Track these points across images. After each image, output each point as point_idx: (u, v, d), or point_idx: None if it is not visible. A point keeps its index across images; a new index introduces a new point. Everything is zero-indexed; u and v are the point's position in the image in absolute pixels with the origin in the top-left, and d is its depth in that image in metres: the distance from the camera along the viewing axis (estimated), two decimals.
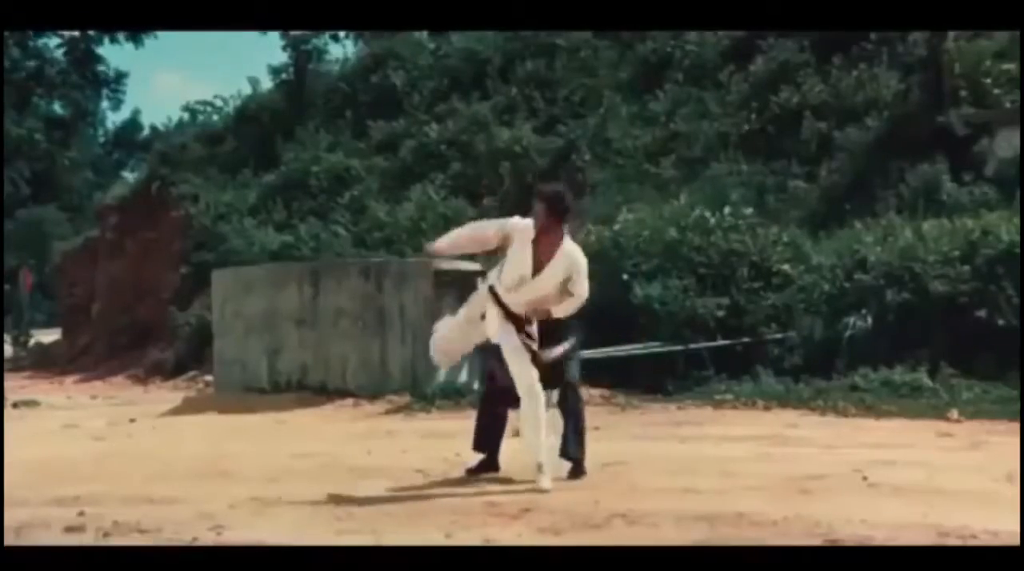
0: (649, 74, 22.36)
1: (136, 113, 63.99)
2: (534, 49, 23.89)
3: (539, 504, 7.34)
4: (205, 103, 30.78)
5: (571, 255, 8.15)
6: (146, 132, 59.80)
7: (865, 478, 7.99)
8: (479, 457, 8.64)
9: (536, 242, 8.04)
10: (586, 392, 13.33)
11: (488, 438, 8.63)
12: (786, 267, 14.92)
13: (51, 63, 54.16)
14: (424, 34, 26.81)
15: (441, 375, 14.62)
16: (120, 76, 57.86)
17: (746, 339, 14.35)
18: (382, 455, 10.18)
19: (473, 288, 15.21)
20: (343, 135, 25.24)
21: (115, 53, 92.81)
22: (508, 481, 8.36)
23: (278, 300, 16.42)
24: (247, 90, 28.89)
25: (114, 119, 62.12)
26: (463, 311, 8.60)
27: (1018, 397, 12.01)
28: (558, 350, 8.30)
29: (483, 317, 8.25)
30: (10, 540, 6.61)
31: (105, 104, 59.66)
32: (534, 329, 8.18)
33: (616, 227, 15.54)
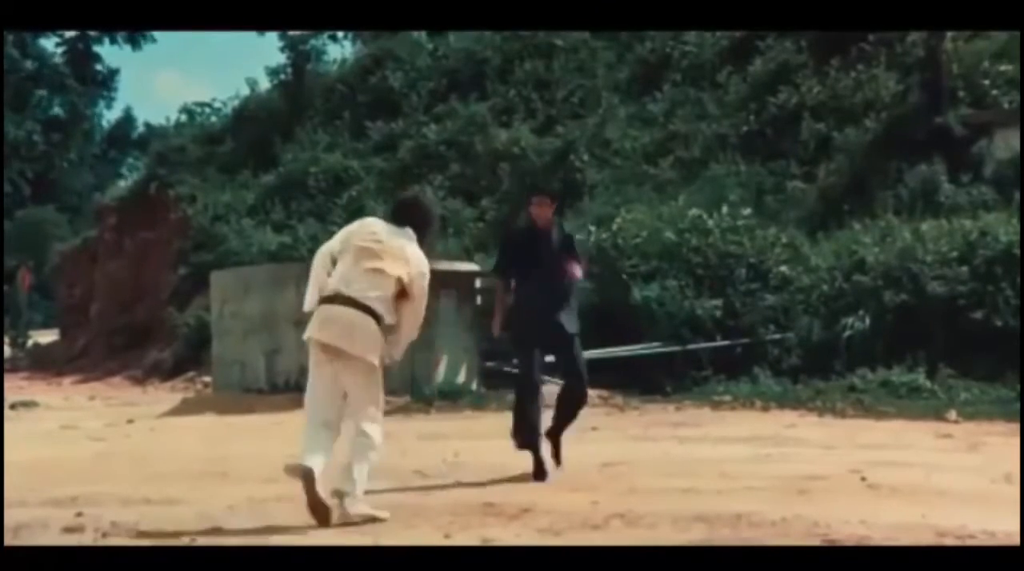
0: (647, 75, 22.37)
1: (128, 109, 63.63)
2: (532, 50, 23.90)
3: (538, 505, 7.33)
4: (203, 104, 30.75)
5: None
6: (140, 129, 59.61)
7: (863, 479, 7.99)
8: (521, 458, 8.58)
9: None
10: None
11: (534, 433, 8.60)
12: (784, 268, 14.93)
13: (49, 64, 54.12)
14: (422, 35, 26.80)
15: (439, 376, 14.65)
16: (112, 73, 57.82)
17: (744, 340, 14.35)
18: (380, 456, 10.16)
19: (471, 288, 15.37)
20: (341, 136, 25.24)
21: (113, 53, 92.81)
22: (506, 482, 8.36)
23: (277, 301, 16.41)
24: (245, 91, 28.94)
25: (109, 118, 61.95)
26: None
27: (1016, 397, 12.03)
28: None
29: None
30: (8, 541, 6.61)
31: (101, 103, 59.66)
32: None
33: (614, 228, 15.54)
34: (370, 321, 7.12)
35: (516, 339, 8.67)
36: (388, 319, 7.22)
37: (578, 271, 8.73)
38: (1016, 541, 5.92)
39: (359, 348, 7.10)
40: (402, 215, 7.51)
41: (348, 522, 6.92)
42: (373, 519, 6.98)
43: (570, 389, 8.76)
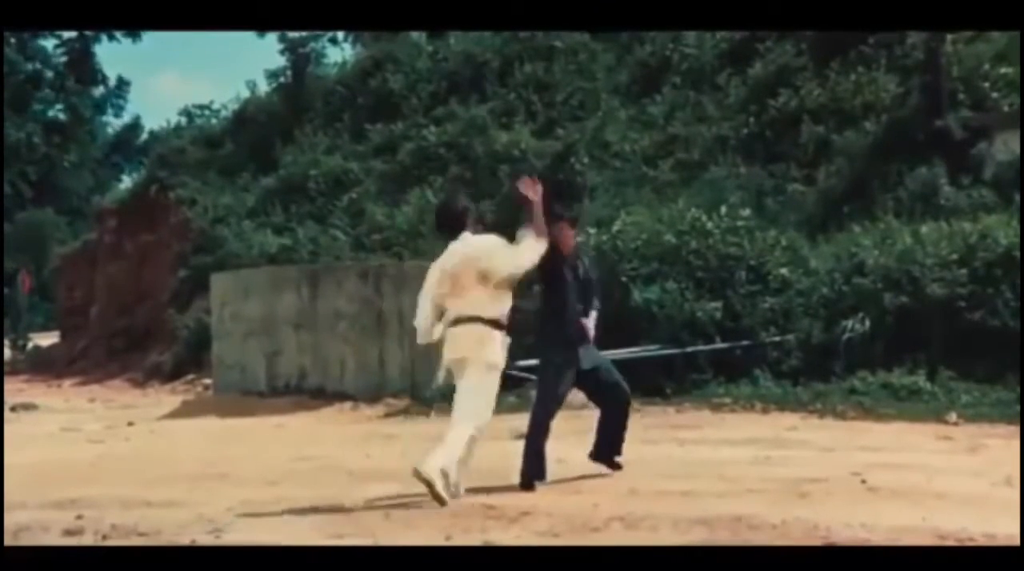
0: (647, 77, 22.36)
1: (136, 118, 63.61)
2: (532, 52, 23.89)
3: (538, 507, 7.33)
4: (203, 107, 30.79)
5: None
6: (144, 136, 59.69)
7: (864, 481, 7.99)
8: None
9: None
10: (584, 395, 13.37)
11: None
12: (784, 271, 14.91)
13: (50, 65, 54.16)
14: (422, 37, 26.81)
15: (440, 378, 14.63)
16: (123, 84, 57.94)
17: (744, 342, 14.34)
18: (381, 458, 10.18)
19: None
20: (341, 138, 25.24)
21: (113, 54, 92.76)
22: (507, 484, 8.35)
23: (277, 303, 16.43)
24: (245, 93, 28.96)
25: (116, 125, 61.99)
26: None
27: (1016, 400, 12.03)
28: None
29: None
30: (8, 544, 6.60)
31: (109, 111, 59.80)
32: None
33: (614, 230, 15.54)
34: (474, 326, 7.89)
35: (555, 360, 8.53)
36: (499, 309, 7.93)
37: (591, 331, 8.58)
38: (1017, 543, 5.91)
39: (460, 351, 7.97)
40: (444, 226, 8.25)
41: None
42: (429, 487, 7.47)
43: (622, 400, 8.75)
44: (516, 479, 8.29)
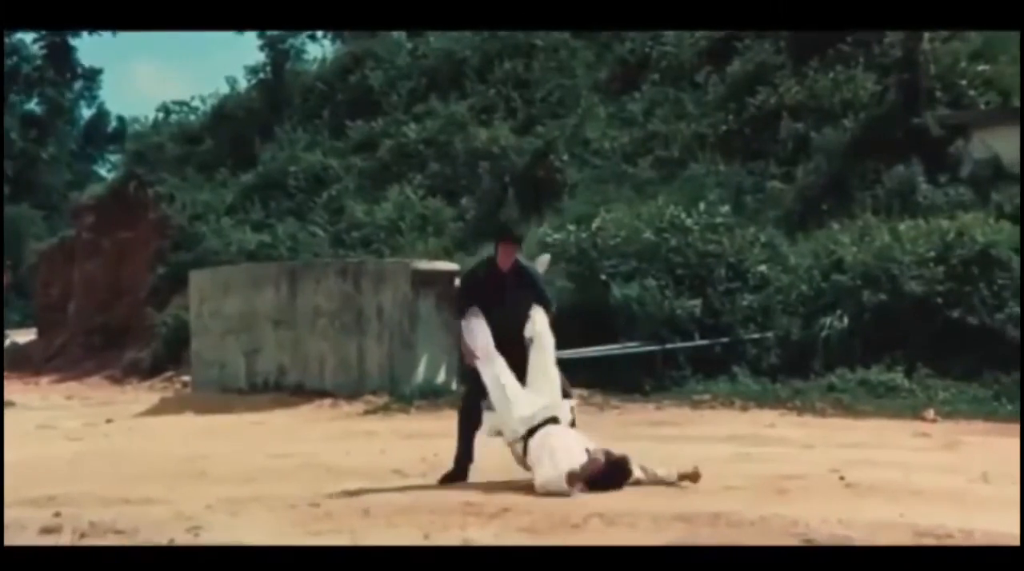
0: (626, 75, 22.39)
1: (101, 104, 62.77)
2: (512, 49, 23.89)
3: (517, 504, 7.33)
4: (181, 103, 30.64)
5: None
6: (114, 124, 59.18)
7: (842, 478, 8.02)
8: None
9: None
10: None
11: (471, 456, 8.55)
12: (763, 268, 14.96)
13: (27, 60, 53.85)
14: (402, 34, 26.78)
15: (419, 375, 14.64)
16: (95, 73, 57.57)
17: (724, 339, 14.38)
18: (360, 455, 10.17)
19: (451, 288, 15.35)
20: (321, 135, 25.21)
21: (90, 48, 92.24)
22: (486, 481, 8.35)
23: (256, 300, 16.39)
24: (224, 89, 28.85)
25: (87, 114, 61.49)
26: None
27: (993, 397, 12.13)
28: None
29: None
30: None
31: (82, 103, 59.37)
32: None
33: (594, 228, 15.56)
34: None
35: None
36: None
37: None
38: (996, 541, 5.94)
39: None
40: None
41: None
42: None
43: None
44: (495, 477, 8.29)
